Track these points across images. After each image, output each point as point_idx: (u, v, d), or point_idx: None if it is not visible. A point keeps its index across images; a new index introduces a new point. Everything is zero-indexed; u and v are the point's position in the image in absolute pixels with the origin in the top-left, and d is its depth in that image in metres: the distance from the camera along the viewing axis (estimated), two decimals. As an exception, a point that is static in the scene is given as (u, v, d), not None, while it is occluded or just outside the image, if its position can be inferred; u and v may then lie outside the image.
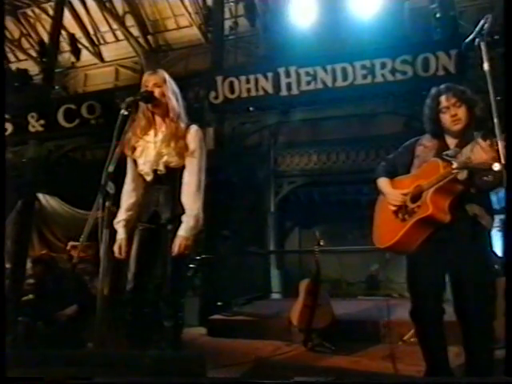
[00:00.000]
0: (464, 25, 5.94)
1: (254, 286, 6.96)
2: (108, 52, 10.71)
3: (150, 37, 10.27)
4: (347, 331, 3.82)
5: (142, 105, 2.07)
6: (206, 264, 5.21)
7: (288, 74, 5.66)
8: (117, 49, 10.54)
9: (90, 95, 6.33)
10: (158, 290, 1.96)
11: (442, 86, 2.02)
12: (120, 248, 1.96)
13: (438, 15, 5.84)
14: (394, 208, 1.96)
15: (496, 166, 1.32)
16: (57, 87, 8.37)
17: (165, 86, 2.07)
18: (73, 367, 1.07)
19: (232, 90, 5.80)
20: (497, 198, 2.36)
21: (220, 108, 5.90)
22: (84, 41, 10.32)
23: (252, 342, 3.85)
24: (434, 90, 2.04)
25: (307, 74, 5.61)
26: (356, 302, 6.45)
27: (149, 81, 2.08)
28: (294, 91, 5.70)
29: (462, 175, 1.75)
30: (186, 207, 1.97)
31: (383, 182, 2.11)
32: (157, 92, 2.02)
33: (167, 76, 2.11)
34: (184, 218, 1.95)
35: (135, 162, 2.10)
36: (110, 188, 1.59)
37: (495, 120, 1.35)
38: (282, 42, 7.24)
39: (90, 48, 10.47)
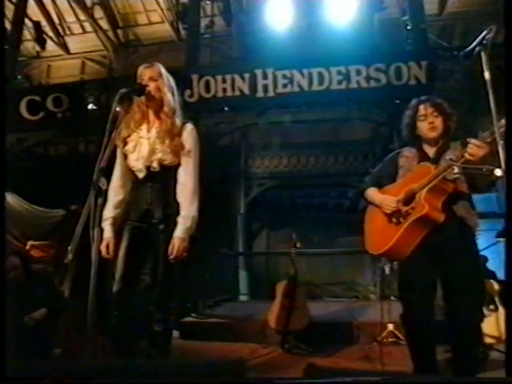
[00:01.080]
0: (432, 37, 6.20)
1: (223, 287, 6.90)
2: (74, 44, 10.26)
3: (119, 31, 9.96)
4: (321, 333, 3.85)
5: (136, 98, 1.98)
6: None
7: (265, 76, 5.68)
8: (84, 41, 10.12)
9: (57, 87, 6.02)
10: (148, 292, 1.87)
11: (422, 97, 2.14)
12: (107, 247, 1.86)
13: (408, 27, 6.06)
14: (388, 212, 1.99)
15: (498, 172, 1.36)
16: (19, 77, 7.91)
17: (160, 80, 1.99)
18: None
19: (208, 89, 5.74)
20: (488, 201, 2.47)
21: (195, 107, 5.80)
22: (48, 30, 9.82)
23: (227, 345, 3.80)
24: (414, 101, 2.15)
25: (284, 76, 5.66)
26: (324, 303, 6.54)
27: (144, 74, 1.99)
28: (271, 93, 5.73)
29: (452, 174, 1.82)
30: (183, 208, 1.90)
31: (373, 192, 2.15)
32: (152, 86, 1.94)
33: (163, 70, 2.03)
34: (180, 220, 1.87)
35: (125, 157, 1.99)
36: (103, 184, 1.50)
37: (495, 129, 1.39)
38: (257, 43, 7.24)
39: (55, 38, 9.99)
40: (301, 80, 5.61)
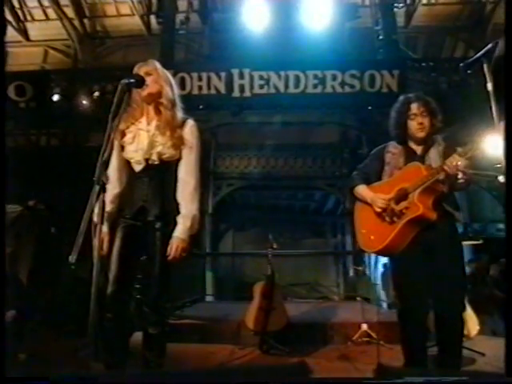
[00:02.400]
0: (403, 48, 6.45)
1: (190, 288, 6.80)
2: (35, 30, 9.69)
3: (86, 20, 9.52)
4: (296, 333, 3.88)
5: (134, 90, 1.90)
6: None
7: (242, 76, 5.66)
8: (46, 28, 9.59)
9: (20, 75, 5.66)
10: (143, 294, 1.79)
11: (412, 94, 2.18)
12: (102, 244, 1.76)
13: (380, 37, 6.27)
14: (379, 210, 2.03)
15: (501, 178, 1.44)
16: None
17: (156, 73, 1.93)
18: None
19: (183, 86, 5.62)
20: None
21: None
22: (7, 14, 9.21)
23: (204, 347, 3.73)
24: (403, 97, 2.18)
25: (261, 77, 5.67)
26: (295, 304, 6.60)
27: (139, 71, 1.92)
28: (247, 93, 5.72)
29: (442, 175, 1.90)
30: (183, 207, 1.83)
31: (363, 189, 2.17)
32: (149, 80, 1.87)
33: (158, 65, 1.97)
34: (180, 219, 1.81)
35: (122, 149, 1.90)
36: (106, 178, 1.42)
37: (501, 140, 1.45)
38: (231, 42, 7.21)
39: (14, 23, 9.40)
40: (277, 82, 5.64)
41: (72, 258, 1.27)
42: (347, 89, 5.58)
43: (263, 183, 9.89)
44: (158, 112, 1.94)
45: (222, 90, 5.68)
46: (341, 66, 5.61)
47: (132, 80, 1.79)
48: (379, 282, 8.69)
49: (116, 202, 1.85)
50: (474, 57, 1.65)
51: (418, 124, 2.07)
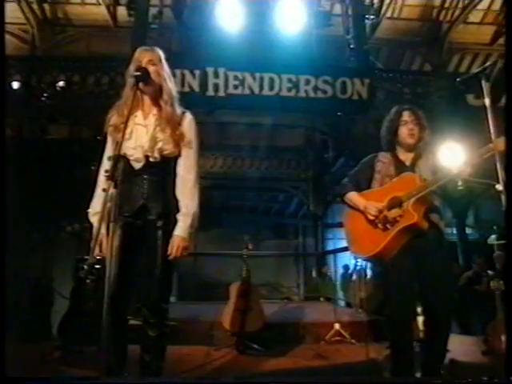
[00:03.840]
0: (371, 59, 6.71)
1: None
2: (-12, 12, 9.02)
3: (46, 5, 9.00)
4: (269, 334, 3.91)
5: (130, 81, 1.83)
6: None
7: (216, 75, 5.63)
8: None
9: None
10: (143, 295, 1.72)
11: (405, 105, 2.31)
12: (100, 245, 1.67)
13: (351, 46, 6.49)
14: (372, 218, 2.10)
15: (499, 187, 1.54)
16: None
17: (160, 65, 1.86)
18: None
19: (156, 82, 5.48)
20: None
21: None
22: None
23: (178, 348, 3.65)
24: (396, 107, 2.30)
25: (235, 77, 5.66)
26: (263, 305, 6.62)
27: (142, 57, 1.84)
28: (221, 93, 5.69)
29: (435, 187, 2.01)
30: (183, 204, 1.78)
31: (355, 196, 2.24)
32: (151, 70, 1.80)
33: (162, 54, 1.90)
34: (180, 217, 1.75)
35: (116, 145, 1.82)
36: (119, 174, 1.36)
37: (497, 157, 1.57)
38: (203, 41, 7.13)
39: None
40: (252, 83, 5.67)
41: (92, 258, 1.21)
42: (320, 94, 5.72)
43: (228, 184, 9.85)
44: (156, 105, 1.87)
45: (196, 88, 5.61)
46: (314, 71, 5.74)
47: (138, 73, 1.73)
48: (339, 282, 8.98)
49: (113, 200, 1.77)
50: (471, 73, 1.76)
51: (408, 130, 2.18)
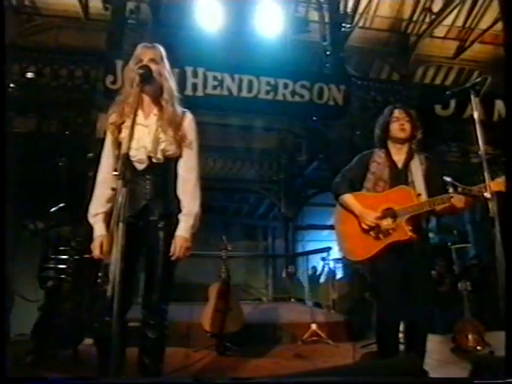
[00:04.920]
0: (347, 66, 6.90)
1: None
2: None
3: (12, -8, 8.57)
4: (247, 334, 3.93)
5: (129, 77, 1.80)
6: (84, 264, 4.62)
7: (195, 74, 5.59)
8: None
9: None
10: (143, 296, 1.69)
11: (397, 104, 2.44)
12: (101, 247, 1.63)
13: (328, 53, 6.65)
14: (366, 228, 2.18)
15: (487, 194, 1.66)
16: None
17: (162, 63, 1.84)
18: None
19: (133, 78, 5.36)
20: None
21: (116, 95, 5.37)
22: None
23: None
24: (388, 107, 2.42)
25: (214, 78, 5.65)
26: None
27: (145, 54, 1.82)
28: (200, 93, 5.66)
29: (428, 208, 2.11)
30: (185, 204, 1.77)
31: (350, 200, 2.31)
32: (153, 69, 1.78)
33: (164, 52, 1.88)
34: (182, 217, 1.75)
35: (118, 145, 1.78)
36: (128, 174, 1.33)
37: (484, 166, 1.68)
38: (179, 39, 7.05)
39: None
40: (231, 84, 5.68)
41: (106, 260, 1.18)
42: (297, 98, 5.82)
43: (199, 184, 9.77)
44: (156, 105, 1.86)
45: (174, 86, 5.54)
46: (293, 75, 5.83)
47: (142, 71, 1.70)
48: (307, 283, 9.15)
49: (113, 200, 1.74)
50: (461, 88, 1.87)
51: (399, 125, 2.29)
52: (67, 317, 3.07)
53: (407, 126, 2.29)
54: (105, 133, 1.85)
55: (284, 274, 9.29)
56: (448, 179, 1.89)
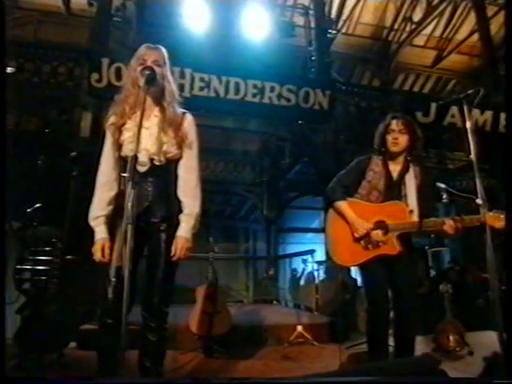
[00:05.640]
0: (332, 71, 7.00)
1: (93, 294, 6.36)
2: None
3: (-11, -17, 8.28)
4: (233, 336, 3.94)
5: (131, 76, 1.79)
6: (68, 266, 4.51)
7: (182, 75, 5.55)
8: None
9: None
10: (143, 298, 1.67)
11: (398, 114, 2.45)
12: (103, 250, 1.61)
13: (313, 57, 6.74)
14: (358, 237, 2.24)
15: (478, 201, 1.73)
16: None
17: (165, 66, 1.84)
18: None
19: (119, 77, 5.29)
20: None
21: (102, 93, 5.29)
22: None
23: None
24: (388, 115, 2.45)
25: (202, 79, 5.63)
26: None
27: (148, 55, 1.81)
28: (186, 94, 5.62)
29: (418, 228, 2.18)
30: (186, 205, 1.77)
31: (344, 207, 2.34)
32: (157, 71, 1.78)
33: (167, 55, 1.88)
34: (183, 218, 1.75)
35: (119, 147, 1.76)
36: (137, 178, 1.33)
37: (476, 174, 1.75)
38: (163, 39, 6.98)
39: None
40: (218, 86, 5.67)
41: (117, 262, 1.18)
42: (283, 102, 5.86)
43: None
44: (157, 106, 1.85)
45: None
46: (280, 79, 5.87)
47: (148, 72, 1.70)
48: (288, 285, 9.22)
49: (114, 203, 1.72)
50: (454, 98, 1.94)
51: (392, 139, 2.32)
52: (52, 320, 2.99)
53: (401, 140, 2.30)
54: (104, 134, 1.83)
55: (265, 276, 9.34)
56: (442, 186, 1.96)
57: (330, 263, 5.75)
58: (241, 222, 11.71)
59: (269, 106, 5.86)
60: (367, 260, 2.21)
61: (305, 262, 8.23)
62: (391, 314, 2.32)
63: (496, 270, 1.66)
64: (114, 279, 1.57)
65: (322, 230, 2.75)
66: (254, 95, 5.78)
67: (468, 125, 1.83)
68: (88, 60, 5.29)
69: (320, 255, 6.08)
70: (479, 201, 1.74)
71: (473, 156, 1.79)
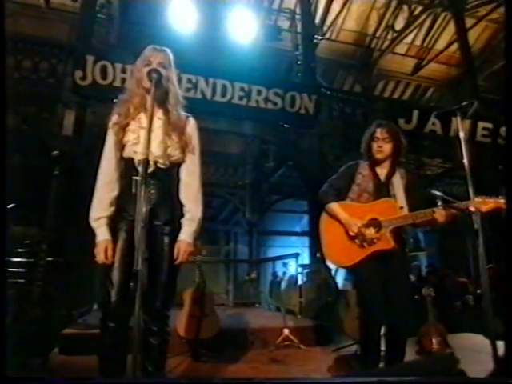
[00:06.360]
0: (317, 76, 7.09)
1: (90, 295, 6.23)
2: None
3: (-35, -27, 7.97)
4: (219, 340, 3.92)
5: (136, 76, 1.76)
6: (52, 268, 4.39)
7: (169, 75, 5.50)
8: None
9: None
10: (145, 301, 1.64)
11: (383, 121, 2.50)
12: (106, 252, 1.57)
13: (299, 62, 6.81)
14: (352, 235, 2.27)
15: (472, 208, 1.79)
16: None
17: (170, 68, 1.81)
18: None
19: (104, 76, 5.20)
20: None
21: (85, 91, 5.18)
22: None
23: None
24: (374, 122, 2.50)
25: (189, 80, 5.60)
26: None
27: (154, 57, 1.77)
28: (172, 94, 5.57)
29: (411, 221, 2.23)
30: (188, 209, 1.76)
31: (336, 209, 2.38)
32: (162, 74, 1.75)
33: (172, 57, 1.85)
34: (186, 222, 1.73)
35: (122, 148, 1.73)
36: (144, 175, 1.31)
37: (469, 181, 1.81)
38: (146, 37, 6.92)
39: None
40: (205, 88, 5.65)
41: (137, 265, 1.16)
42: (270, 105, 5.89)
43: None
44: (160, 108, 1.83)
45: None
46: (266, 82, 5.90)
47: (155, 75, 1.67)
48: (268, 288, 9.24)
49: (115, 204, 1.69)
50: (448, 109, 2.00)
51: (377, 147, 2.38)
52: (37, 323, 2.90)
53: (386, 148, 2.37)
54: (105, 133, 1.79)
55: (247, 279, 9.33)
56: (438, 193, 2.01)
57: (314, 266, 5.80)
58: (222, 225, 11.68)
59: (256, 109, 5.88)
60: (364, 258, 2.24)
61: (285, 265, 8.26)
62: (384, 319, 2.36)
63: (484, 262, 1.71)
64: (117, 282, 1.54)
65: (305, 234, 2.78)
66: (241, 98, 5.79)
67: (461, 135, 1.89)
68: (72, 57, 5.17)
69: (303, 258, 6.13)
70: (472, 208, 1.80)
71: (466, 164, 1.85)
